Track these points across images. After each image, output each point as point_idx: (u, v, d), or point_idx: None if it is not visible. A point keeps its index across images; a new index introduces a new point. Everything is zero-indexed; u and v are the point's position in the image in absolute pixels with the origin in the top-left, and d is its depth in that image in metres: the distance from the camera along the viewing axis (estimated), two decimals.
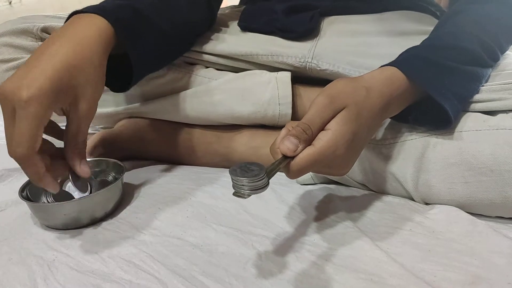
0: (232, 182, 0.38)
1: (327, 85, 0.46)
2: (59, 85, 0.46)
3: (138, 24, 0.56)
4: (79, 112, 0.50)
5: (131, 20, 0.55)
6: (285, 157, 0.41)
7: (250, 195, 0.38)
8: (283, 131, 0.43)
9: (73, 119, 0.50)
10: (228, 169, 0.39)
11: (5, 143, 0.46)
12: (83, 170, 0.52)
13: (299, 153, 0.41)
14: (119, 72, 0.59)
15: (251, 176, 0.37)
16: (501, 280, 0.42)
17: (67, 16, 0.55)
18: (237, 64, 0.71)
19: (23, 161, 0.46)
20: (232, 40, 0.72)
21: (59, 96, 0.46)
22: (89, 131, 0.93)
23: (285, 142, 0.41)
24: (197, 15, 0.70)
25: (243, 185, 0.37)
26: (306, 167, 0.41)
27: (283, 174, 0.42)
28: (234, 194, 0.38)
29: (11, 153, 0.46)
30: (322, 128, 0.43)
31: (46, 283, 0.45)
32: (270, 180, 0.39)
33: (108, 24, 0.52)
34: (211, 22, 0.75)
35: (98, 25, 0.51)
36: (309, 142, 0.42)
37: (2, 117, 0.46)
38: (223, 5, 0.79)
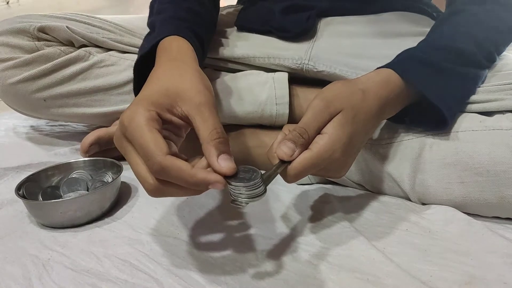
0: (229, 190, 0.38)
1: (323, 88, 0.46)
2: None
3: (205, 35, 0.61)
4: (191, 104, 0.42)
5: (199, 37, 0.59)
6: (282, 161, 0.41)
7: (248, 203, 0.38)
8: (280, 135, 0.43)
9: (189, 114, 0.42)
10: None
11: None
12: (220, 165, 0.38)
13: (296, 157, 0.41)
14: None
15: (249, 183, 0.37)
16: (497, 280, 0.42)
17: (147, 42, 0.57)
18: (234, 66, 0.71)
19: (164, 168, 0.38)
20: (228, 43, 0.72)
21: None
22: (85, 130, 0.93)
23: (282, 147, 0.41)
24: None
25: (240, 193, 0.37)
26: (303, 171, 0.41)
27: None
28: (231, 202, 0.38)
29: (152, 168, 0.38)
30: (318, 132, 0.43)
31: (41, 282, 0.45)
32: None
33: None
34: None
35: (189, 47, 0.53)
36: (305, 146, 0.42)
37: None
38: (221, 5, 0.79)
